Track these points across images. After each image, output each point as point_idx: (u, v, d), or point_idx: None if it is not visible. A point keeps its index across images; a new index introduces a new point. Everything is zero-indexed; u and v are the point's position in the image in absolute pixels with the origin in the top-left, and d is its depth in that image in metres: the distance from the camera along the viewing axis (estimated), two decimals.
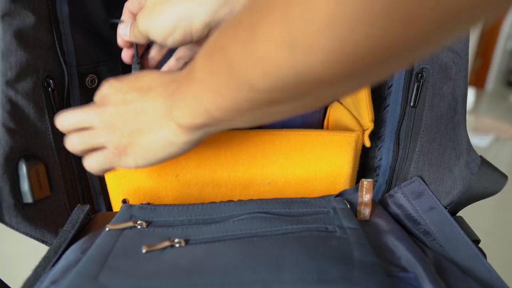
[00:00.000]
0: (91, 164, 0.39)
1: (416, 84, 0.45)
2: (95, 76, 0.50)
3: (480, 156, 0.41)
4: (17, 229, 0.41)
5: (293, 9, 0.19)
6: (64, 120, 0.39)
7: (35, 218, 0.42)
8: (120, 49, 0.45)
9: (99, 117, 0.37)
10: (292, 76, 0.22)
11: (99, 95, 0.39)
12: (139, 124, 0.36)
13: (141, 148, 0.36)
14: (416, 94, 0.45)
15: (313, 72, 0.21)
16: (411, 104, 0.46)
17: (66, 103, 0.47)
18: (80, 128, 0.39)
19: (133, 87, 0.37)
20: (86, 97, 0.49)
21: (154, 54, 0.46)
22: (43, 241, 0.43)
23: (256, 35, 0.22)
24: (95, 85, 0.50)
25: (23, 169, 0.41)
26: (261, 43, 0.22)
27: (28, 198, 0.41)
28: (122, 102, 0.36)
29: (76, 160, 0.49)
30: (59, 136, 0.46)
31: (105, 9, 0.50)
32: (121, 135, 0.37)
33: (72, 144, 0.39)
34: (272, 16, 0.21)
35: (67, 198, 0.46)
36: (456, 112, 0.42)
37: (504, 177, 0.40)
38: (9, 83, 0.40)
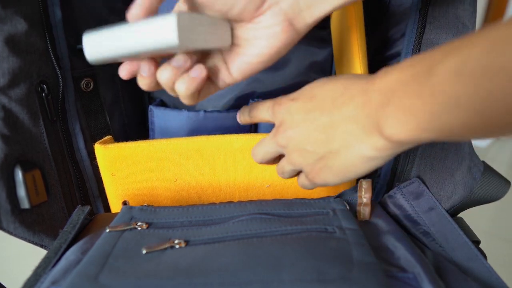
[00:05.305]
0: (303, 185, 0.39)
1: None
2: (90, 79, 0.49)
3: (483, 162, 0.41)
4: (15, 235, 0.41)
5: None
6: (257, 156, 0.41)
7: (33, 224, 0.42)
8: None
9: (284, 143, 0.37)
10: None
11: (277, 119, 0.38)
12: (331, 143, 0.33)
13: (338, 168, 0.34)
14: None
15: None
16: None
17: (61, 108, 0.47)
18: (276, 157, 0.41)
19: (309, 103, 0.35)
20: (81, 101, 0.49)
21: None
22: (41, 246, 0.43)
23: None
24: (90, 88, 0.50)
25: (19, 175, 0.40)
26: None
27: (25, 203, 0.41)
28: (303, 122, 0.35)
29: (73, 163, 0.49)
30: (55, 140, 0.46)
31: (106, 6, 0.50)
32: (312, 158, 0.35)
33: (282, 174, 0.41)
34: None
35: (65, 203, 0.46)
36: None
37: (507, 183, 0.40)
38: (2, 90, 0.40)
